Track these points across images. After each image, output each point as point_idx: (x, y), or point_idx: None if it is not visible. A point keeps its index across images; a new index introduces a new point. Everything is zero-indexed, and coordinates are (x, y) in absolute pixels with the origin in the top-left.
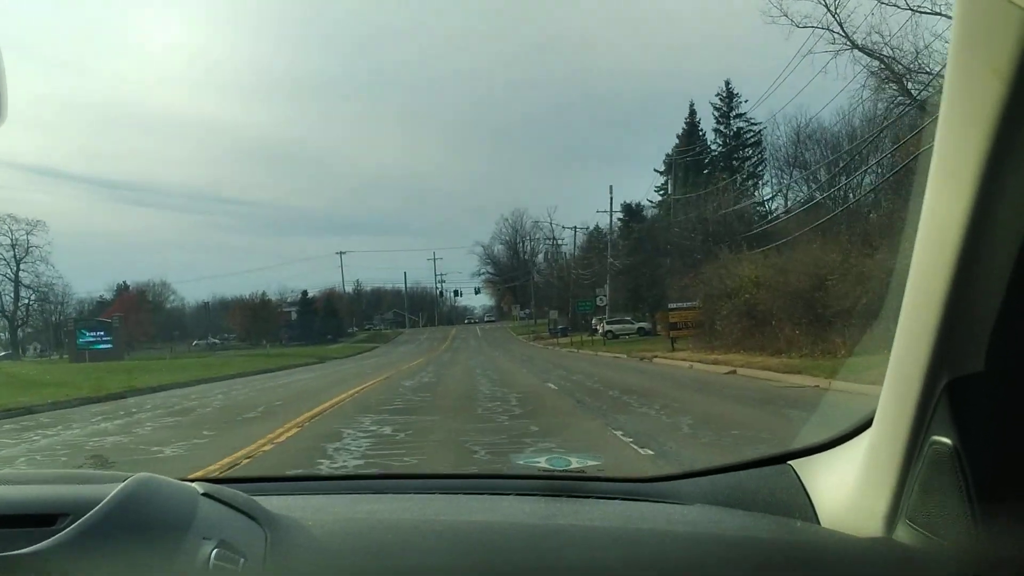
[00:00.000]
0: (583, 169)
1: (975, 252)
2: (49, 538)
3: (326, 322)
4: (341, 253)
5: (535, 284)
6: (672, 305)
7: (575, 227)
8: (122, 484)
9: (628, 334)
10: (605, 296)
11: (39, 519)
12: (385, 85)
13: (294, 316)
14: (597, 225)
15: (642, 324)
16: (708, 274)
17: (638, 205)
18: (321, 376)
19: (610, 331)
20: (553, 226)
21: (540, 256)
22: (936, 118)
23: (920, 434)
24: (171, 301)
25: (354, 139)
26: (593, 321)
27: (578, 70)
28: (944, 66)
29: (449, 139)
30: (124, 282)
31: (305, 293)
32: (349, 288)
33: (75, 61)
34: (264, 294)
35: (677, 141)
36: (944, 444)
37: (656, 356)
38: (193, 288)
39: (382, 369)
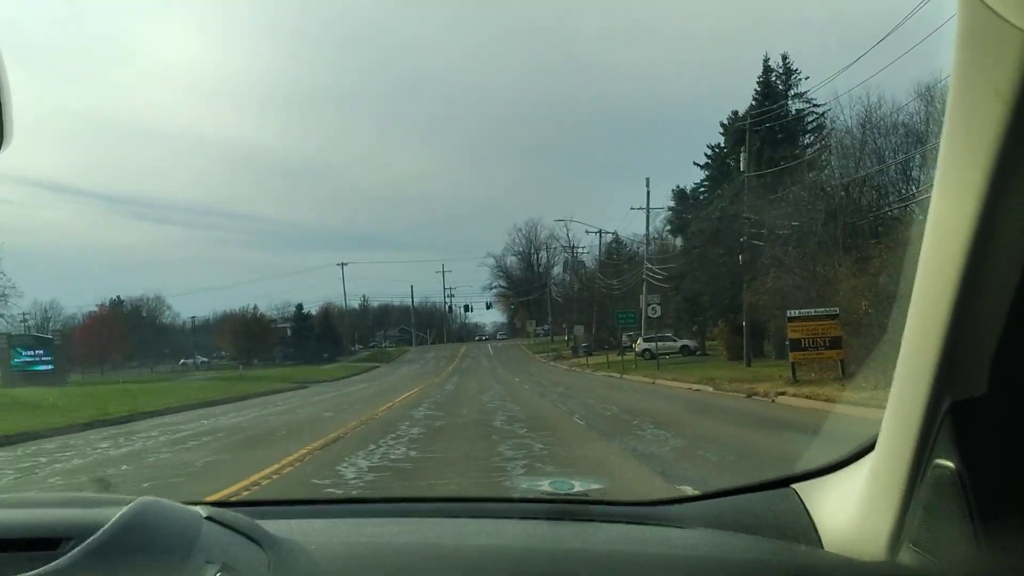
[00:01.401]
0: (600, 180)
1: (978, 274)
2: (52, 562)
3: (323, 339)
4: (342, 264)
5: (552, 298)
6: (793, 313)
7: (600, 230)
8: (125, 507)
9: (670, 353)
10: (657, 305)
11: (42, 543)
12: (396, 99)
13: (290, 333)
14: (616, 235)
15: (686, 342)
16: (877, 262)
17: (695, 189)
18: (259, 420)
19: (648, 350)
20: (570, 234)
21: (556, 269)
22: (939, 139)
23: (923, 457)
24: (166, 317)
25: (364, 154)
26: (624, 338)
27: (595, 83)
28: (947, 87)
29: (461, 153)
30: (118, 296)
31: (300, 307)
32: (355, 303)
33: (80, 74)
34: (256, 308)
35: (722, 129)
36: (947, 467)
37: (780, 393)
38: (194, 304)
39: (354, 407)
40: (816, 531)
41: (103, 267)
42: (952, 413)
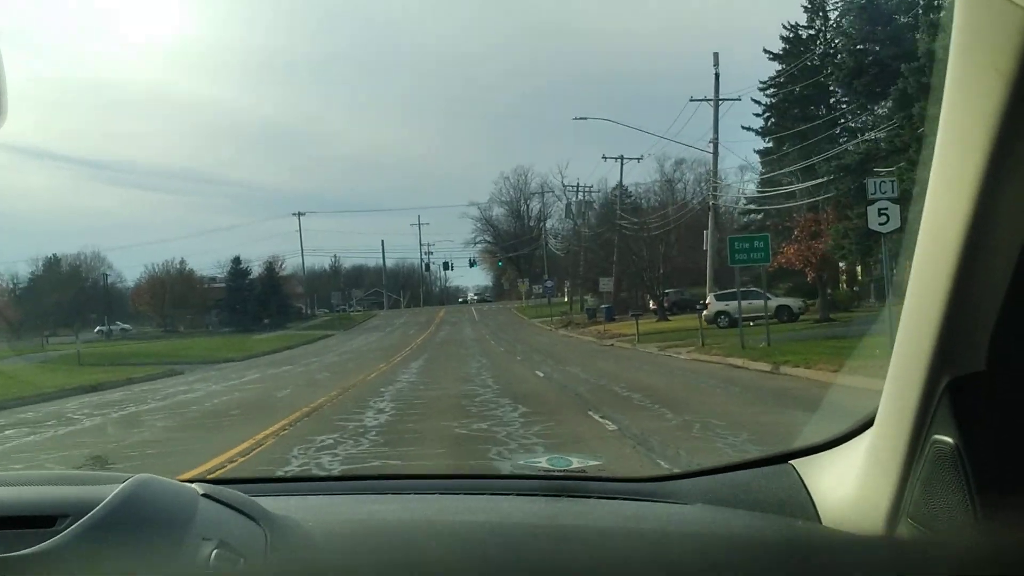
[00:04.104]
0: (590, 145)
1: (976, 252)
2: (49, 539)
3: (269, 302)
4: (299, 214)
5: (549, 252)
6: None
7: (621, 156)
8: (122, 485)
9: (756, 317)
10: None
11: (39, 520)
12: (376, 67)
13: (226, 293)
14: (620, 187)
15: (785, 300)
16: None
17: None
18: None
19: (724, 313)
20: (565, 181)
21: (551, 222)
22: (937, 118)
23: (922, 433)
24: (108, 277)
25: (343, 119)
26: (666, 298)
27: (582, 45)
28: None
29: (443, 117)
30: (53, 255)
31: (237, 261)
32: (326, 263)
33: (58, 41)
34: (183, 262)
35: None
36: (946, 443)
37: None
38: (145, 263)
39: None
40: (814, 506)
41: (61, 230)
42: (951, 390)
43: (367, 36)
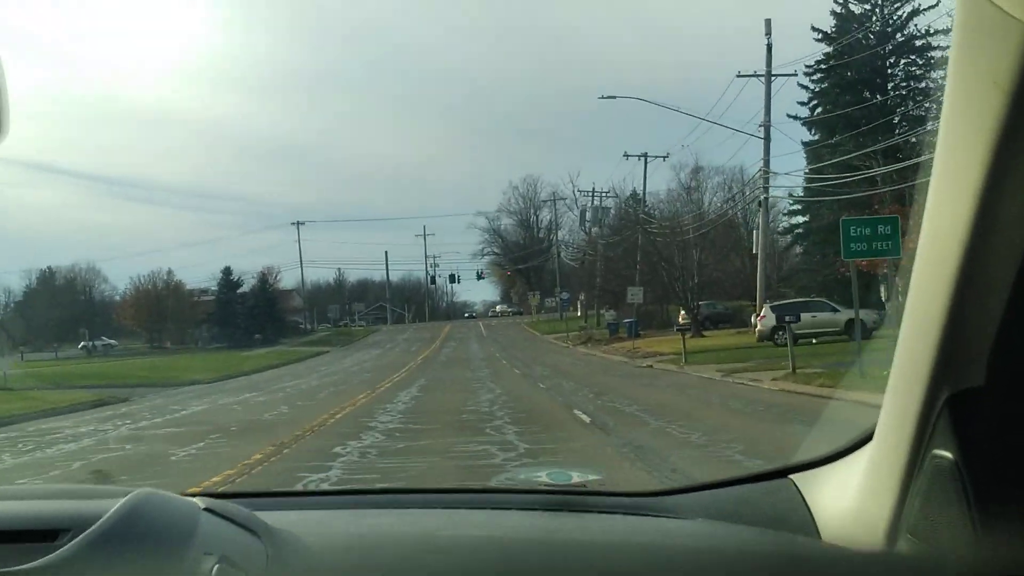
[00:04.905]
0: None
1: (976, 266)
2: (50, 554)
3: (262, 315)
4: (298, 223)
5: (561, 263)
6: None
7: (644, 154)
8: (123, 499)
9: (820, 333)
10: None
11: (40, 535)
12: (400, 85)
13: (217, 307)
14: (644, 186)
15: (849, 313)
16: None
17: (810, 73)
18: None
19: (781, 329)
20: (576, 191)
21: (562, 233)
22: (936, 131)
23: (921, 448)
24: (103, 290)
25: (348, 130)
26: (682, 313)
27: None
28: (944, 77)
29: (450, 126)
30: (48, 267)
31: (228, 272)
32: (330, 277)
33: (65, 53)
34: (170, 273)
35: None
36: (945, 458)
37: None
38: (132, 274)
39: None
40: (814, 521)
41: (58, 244)
42: (950, 404)
43: (372, 46)
